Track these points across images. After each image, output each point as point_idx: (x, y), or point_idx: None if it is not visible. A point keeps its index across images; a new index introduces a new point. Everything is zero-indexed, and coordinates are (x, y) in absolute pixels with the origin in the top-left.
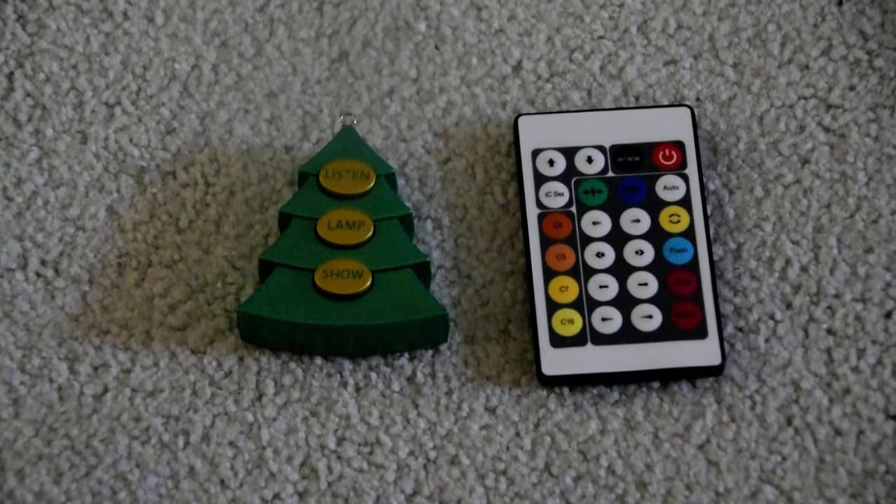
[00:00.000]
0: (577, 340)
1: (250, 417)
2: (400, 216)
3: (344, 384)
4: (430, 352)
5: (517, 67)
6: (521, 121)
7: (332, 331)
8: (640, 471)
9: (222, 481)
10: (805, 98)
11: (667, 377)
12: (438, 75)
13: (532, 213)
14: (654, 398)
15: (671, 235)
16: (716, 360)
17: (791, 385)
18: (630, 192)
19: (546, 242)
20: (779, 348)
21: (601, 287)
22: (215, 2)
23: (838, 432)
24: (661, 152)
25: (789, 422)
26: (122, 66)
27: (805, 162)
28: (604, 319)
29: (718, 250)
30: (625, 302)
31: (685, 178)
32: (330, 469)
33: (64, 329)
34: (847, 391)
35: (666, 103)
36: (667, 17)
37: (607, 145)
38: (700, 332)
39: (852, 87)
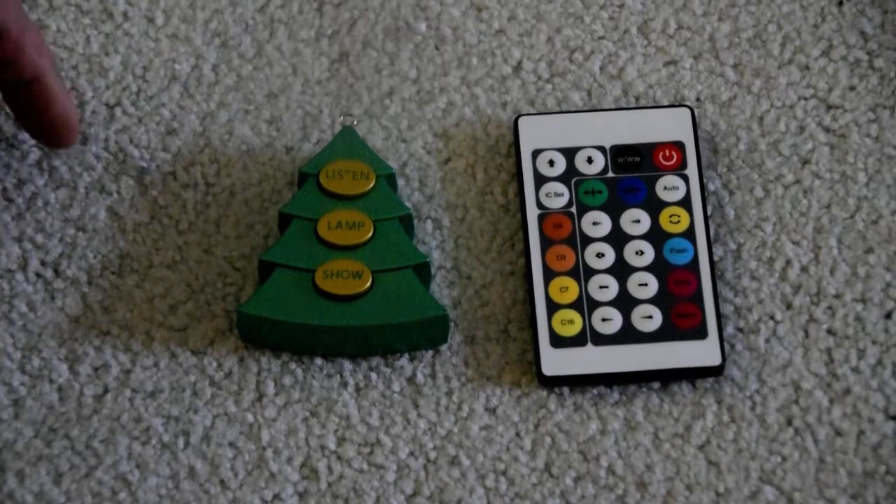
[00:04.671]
0: (578, 341)
1: (250, 418)
2: (400, 216)
3: (344, 384)
4: (430, 352)
5: (517, 68)
6: (521, 121)
7: (333, 331)
8: (640, 471)
9: (222, 482)
10: (805, 98)
11: (667, 377)
12: (438, 76)
13: (532, 213)
14: (654, 398)
15: (671, 236)
16: (716, 360)
17: (791, 385)
18: (630, 192)
19: (546, 243)
20: (779, 348)
21: (601, 287)
22: (215, 2)
23: (838, 432)
24: (662, 153)
25: (789, 422)
26: (123, 66)
27: (805, 162)
28: (604, 320)
29: (718, 250)
30: (625, 302)
31: (685, 179)
32: (330, 469)
33: (64, 330)
34: (847, 391)
35: (666, 104)
36: (667, 18)
37: (607, 146)
38: (700, 333)
39: (852, 88)
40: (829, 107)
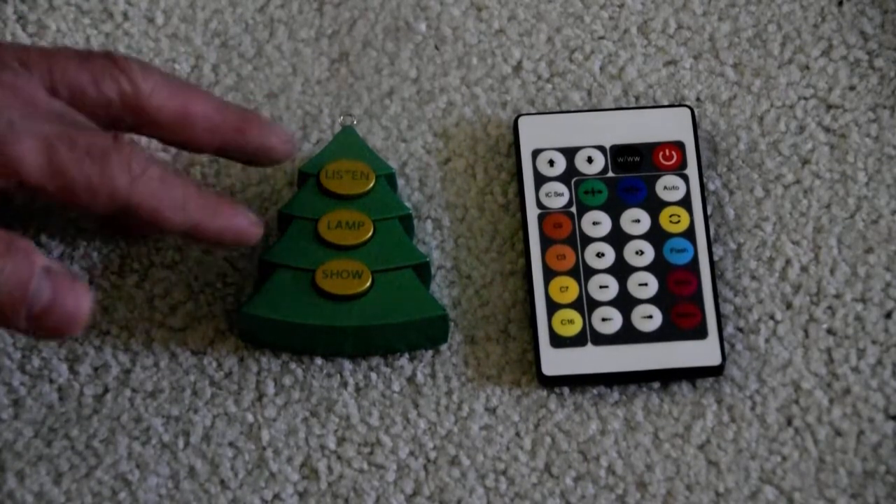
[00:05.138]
0: (578, 341)
1: (250, 418)
2: (400, 216)
3: (344, 384)
4: (430, 352)
5: (517, 68)
6: (521, 121)
7: (333, 331)
8: (640, 471)
9: (222, 482)
10: (805, 98)
11: (667, 377)
12: (438, 75)
13: (532, 213)
14: (654, 398)
15: (671, 235)
16: (716, 360)
17: (791, 385)
18: (630, 192)
19: (546, 243)
20: (779, 348)
21: (601, 287)
22: (215, 2)
23: (838, 432)
24: (661, 152)
25: (789, 422)
26: None
27: (805, 162)
28: (604, 319)
29: (718, 250)
30: (625, 302)
31: (685, 179)
32: (330, 469)
33: None
34: (847, 391)
35: (666, 103)
36: (667, 18)
37: (607, 145)
38: (700, 333)
39: (852, 88)
40: (829, 107)
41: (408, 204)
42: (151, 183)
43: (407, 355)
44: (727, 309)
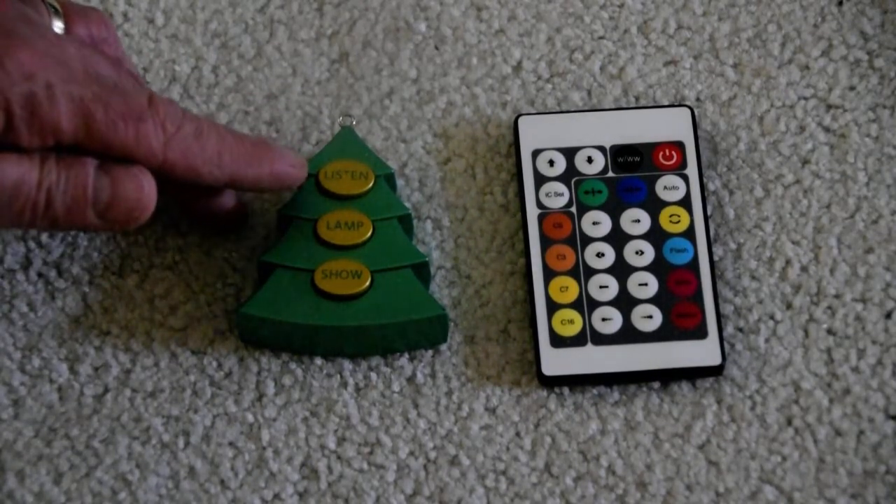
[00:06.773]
0: (578, 340)
1: (250, 418)
2: (399, 216)
3: (344, 384)
4: (430, 352)
5: (517, 68)
6: (521, 121)
7: (332, 331)
8: (640, 471)
9: (222, 482)
10: (805, 98)
11: (667, 377)
12: (438, 76)
13: (532, 213)
14: (654, 398)
15: (671, 235)
16: (716, 360)
17: (791, 385)
18: (630, 192)
19: (546, 242)
20: (779, 348)
21: (601, 287)
22: (215, 2)
23: (838, 432)
24: (661, 152)
25: (789, 422)
26: None
27: (805, 162)
28: (604, 319)
29: (718, 250)
30: (625, 302)
31: (685, 179)
32: (330, 469)
33: (64, 330)
34: (847, 391)
35: (666, 103)
36: (667, 18)
37: (607, 145)
38: (700, 333)
39: (852, 88)
40: (829, 107)
41: (407, 204)
42: (185, 140)
43: (407, 355)
44: (727, 309)
